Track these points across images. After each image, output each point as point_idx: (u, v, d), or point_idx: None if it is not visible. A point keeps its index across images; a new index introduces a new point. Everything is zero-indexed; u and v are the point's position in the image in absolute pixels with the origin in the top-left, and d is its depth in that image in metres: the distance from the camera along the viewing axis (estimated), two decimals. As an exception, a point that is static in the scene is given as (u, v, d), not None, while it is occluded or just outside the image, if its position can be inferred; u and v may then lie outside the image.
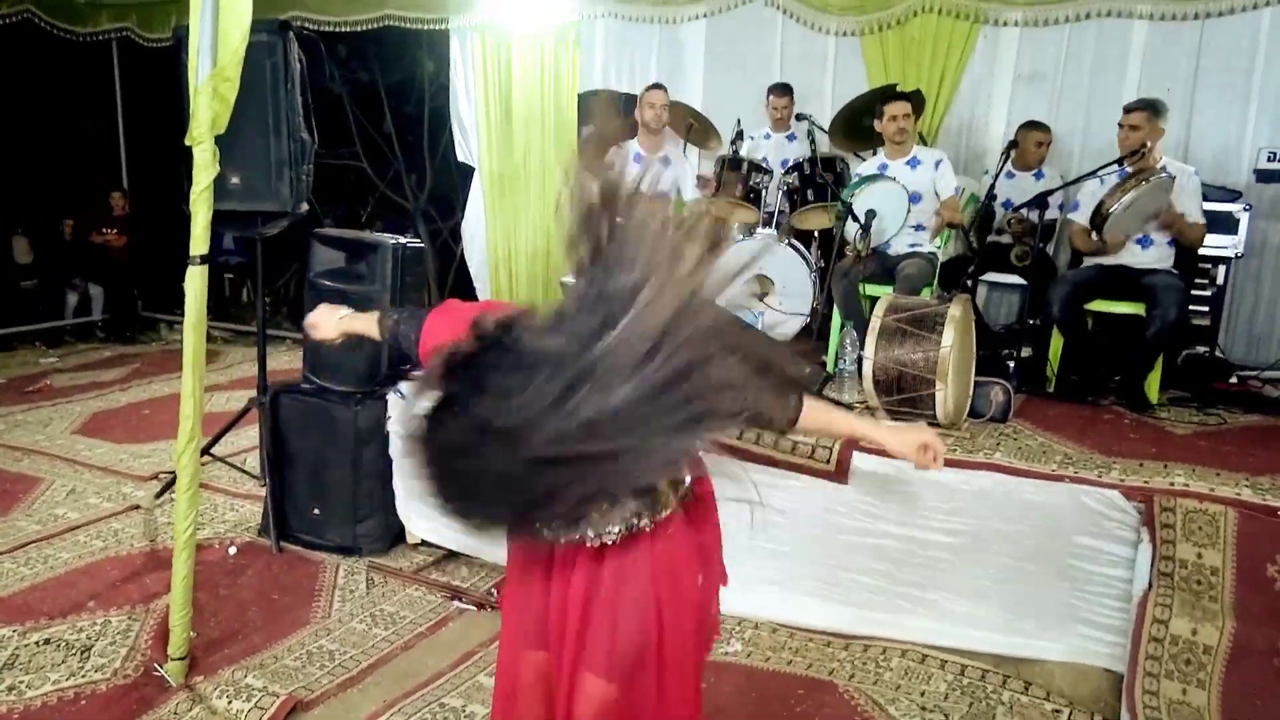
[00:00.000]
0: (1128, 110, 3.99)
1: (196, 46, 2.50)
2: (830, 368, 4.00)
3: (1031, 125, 4.89)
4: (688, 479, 1.69)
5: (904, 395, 3.19)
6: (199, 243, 2.57)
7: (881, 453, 2.97)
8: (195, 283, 2.56)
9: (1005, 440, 3.20)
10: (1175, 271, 4.04)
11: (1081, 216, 4.14)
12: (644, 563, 1.63)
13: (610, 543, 1.61)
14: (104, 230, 7.69)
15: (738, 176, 4.93)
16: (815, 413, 1.67)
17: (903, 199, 4.23)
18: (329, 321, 1.99)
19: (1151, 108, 3.95)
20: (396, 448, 3.61)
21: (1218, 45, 4.91)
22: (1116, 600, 2.75)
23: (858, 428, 1.82)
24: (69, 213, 7.76)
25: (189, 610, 2.71)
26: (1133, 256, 4.06)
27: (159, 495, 3.97)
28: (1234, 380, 4.33)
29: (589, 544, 1.61)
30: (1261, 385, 4.36)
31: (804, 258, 4.84)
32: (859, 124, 5.15)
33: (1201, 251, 4.35)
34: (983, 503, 2.87)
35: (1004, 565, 2.87)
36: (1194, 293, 4.36)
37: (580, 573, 1.63)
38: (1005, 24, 5.28)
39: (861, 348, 3.30)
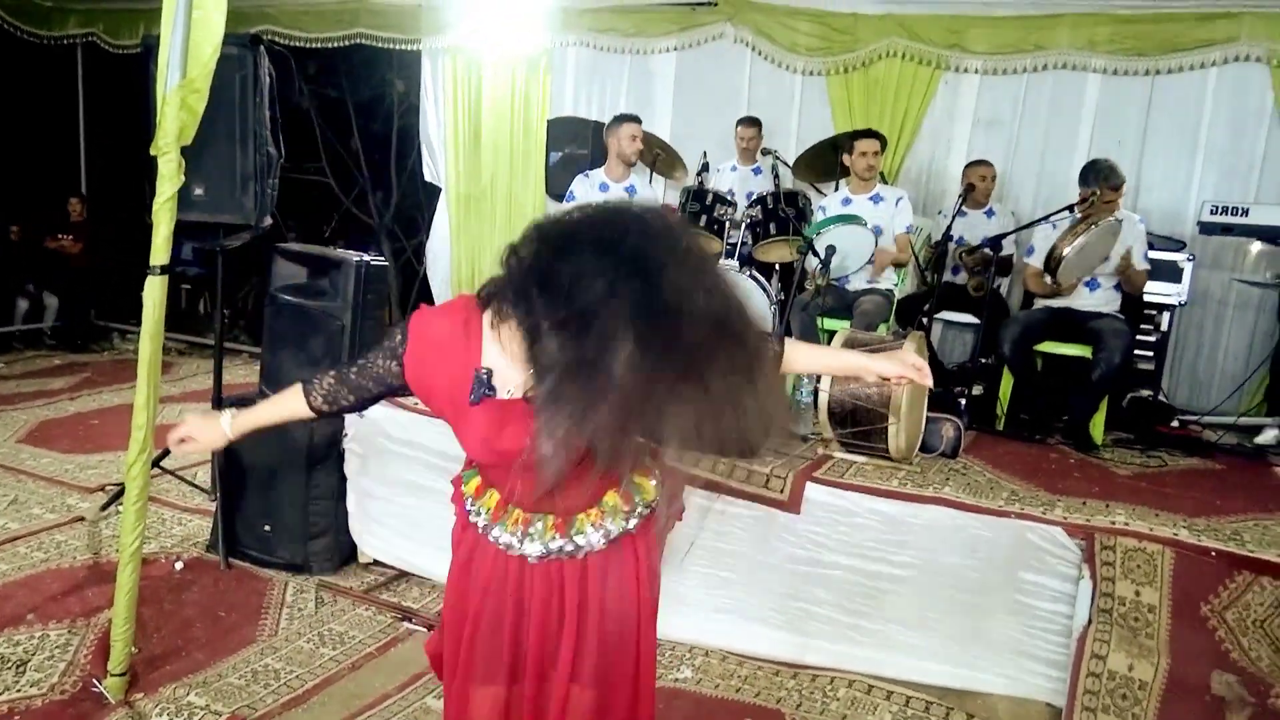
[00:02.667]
0: (1115, 187, 4.10)
1: (166, 57, 2.50)
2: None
3: (975, 163, 5.06)
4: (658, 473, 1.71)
5: (858, 428, 3.25)
6: (160, 253, 2.55)
7: (836, 484, 3.03)
8: (155, 293, 2.54)
9: (955, 475, 3.27)
10: (1121, 316, 4.17)
11: (1037, 260, 4.27)
12: (629, 565, 1.65)
13: (595, 550, 1.62)
14: (60, 236, 7.56)
15: (702, 208, 5.01)
16: (798, 353, 1.76)
17: (869, 240, 4.34)
18: (207, 430, 1.76)
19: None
20: (351, 466, 3.59)
21: (1167, 101, 5.10)
22: (1058, 635, 2.81)
23: (846, 360, 2.00)
24: (22, 216, 7.61)
25: (132, 625, 2.66)
26: (1081, 299, 4.19)
27: (104, 507, 3.91)
28: (1176, 424, 4.46)
29: (576, 557, 1.61)
30: (1202, 430, 4.50)
31: (764, 290, 4.91)
32: (823, 158, 5.27)
33: (1147, 298, 4.50)
34: (931, 536, 2.92)
35: (950, 598, 2.92)
36: (1139, 338, 4.50)
37: (570, 589, 1.62)
38: (966, 71, 5.45)
39: (818, 380, 3.36)
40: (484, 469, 1.67)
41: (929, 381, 1.76)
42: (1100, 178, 4.09)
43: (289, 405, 1.73)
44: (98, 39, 7.47)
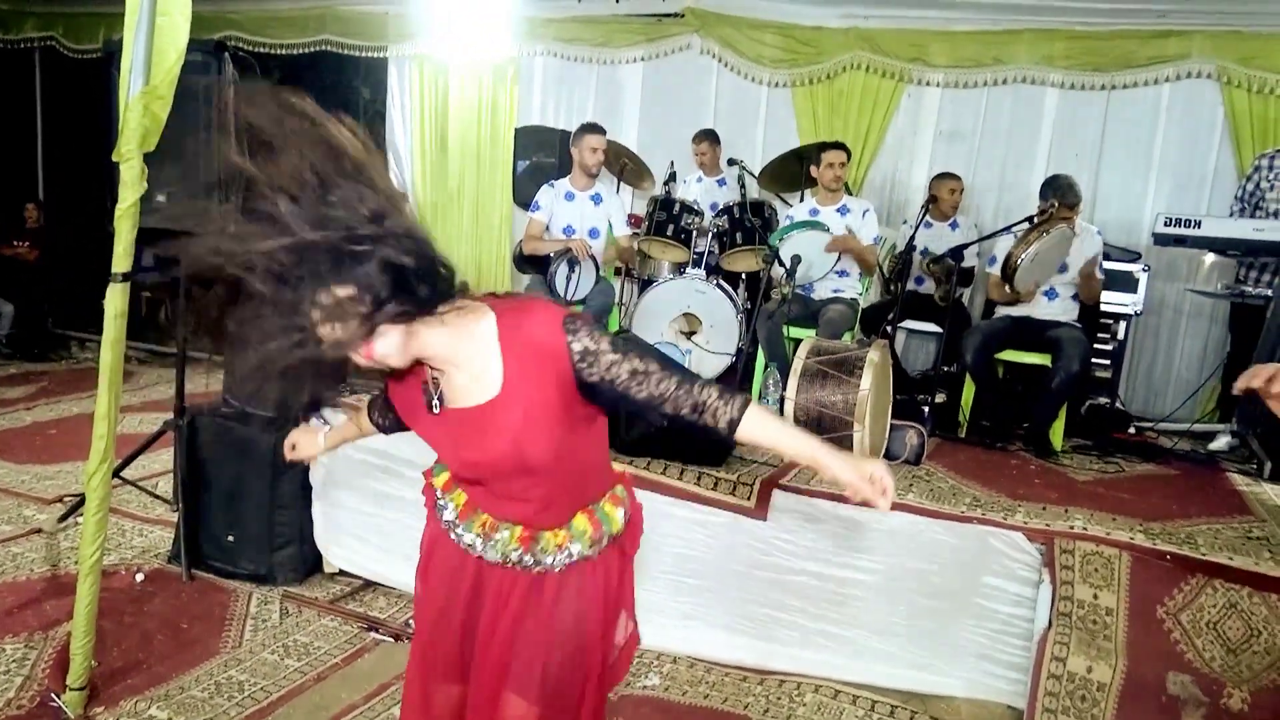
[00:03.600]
0: (1071, 205, 4.18)
1: (130, 62, 2.48)
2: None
3: (944, 176, 5.13)
4: (627, 505, 1.71)
5: (823, 435, 3.27)
6: (121, 260, 2.52)
7: (802, 490, 3.06)
8: (116, 301, 2.51)
9: (918, 482, 3.32)
10: (1079, 325, 4.26)
11: (999, 269, 4.34)
12: (590, 588, 1.64)
13: (555, 570, 1.61)
14: (15, 243, 7.41)
15: (669, 216, 5.05)
16: (760, 425, 1.49)
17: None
18: (311, 442, 1.96)
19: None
20: (317, 475, 3.56)
21: (1122, 116, 5.25)
22: (1020, 638, 2.86)
23: (806, 452, 1.50)
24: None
25: (91, 638, 2.61)
26: (1040, 308, 4.27)
27: (63, 519, 3.83)
28: (1132, 430, 4.57)
29: (533, 571, 1.61)
30: (1157, 436, 4.60)
31: (731, 299, 4.96)
32: (789, 169, 5.33)
33: (1104, 308, 4.61)
34: (895, 542, 2.96)
35: (914, 603, 2.96)
36: (1097, 347, 4.60)
37: (517, 597, 1.62)
38: (928, 84, 5.56)
39: (784, 388, 3.39)
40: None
41: (886, 505, 1.48)
42: (1058, 193, 4.18)
43: (362, 423, 1.87)
44: (57, 43, 7.37)
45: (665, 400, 1.46)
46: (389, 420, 1.78)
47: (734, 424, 1.47)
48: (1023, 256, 4.01)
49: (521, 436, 1.46)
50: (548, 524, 1.60)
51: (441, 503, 1.68)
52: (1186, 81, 5.07)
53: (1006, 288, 4.20)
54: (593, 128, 4.89)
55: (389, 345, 1.31)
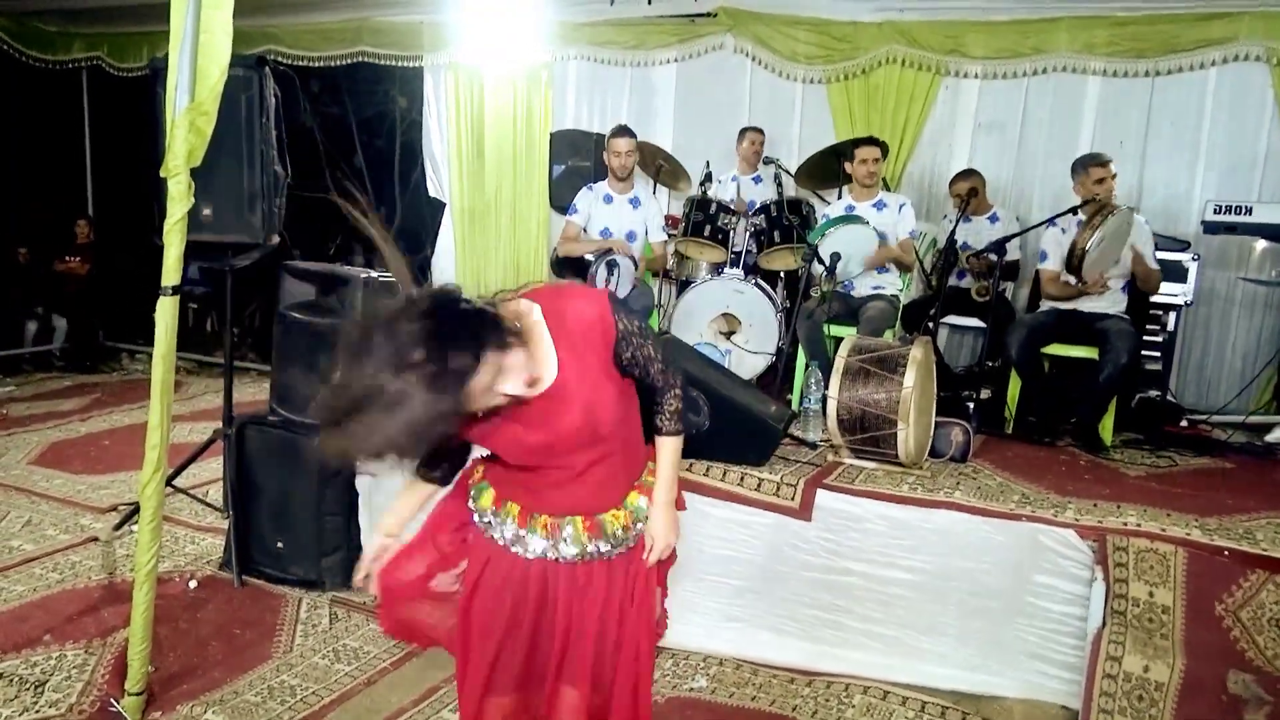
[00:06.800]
0: (1104, 163, 4.08)
1: (174, 80, 2.53)
2: (795, 406, 4.07)
3: (960, 176, 5.05)
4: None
5: (866, 434, 3.26)
6: (171, 273, 2.57)
7: (846, 490, 3.04)
8: (166, 313, 2.56)
9: (965, 480, 3.27)
10: (1127, 317, 4.17)
11: (1052, 264, 4.25)
12: (644, 570, 1.70)
13: (599, 558, 1.66)
14: (67, 258, 7.61)
15: (706, 217, 5.03)
16: (664, 450, 1.74)
17: (871, 241, 4.34)
18: (379, 548, 1.82)
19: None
20: (363, 481, 3.60)
21: (1168, 102, 5.13)
22: (1072, 638, 2.81)
23: (662, 489, 1.75)
24: (30, 239, 7.68)
25: (148, 644, 2.67)
26: (1086, 301, 4.18)
27: (118, 527, 3.92)
28: (1185, 424, 4.46)
29: (608, 558, 1.67)
30: (1211, 429, 4.49)
31: (770, 298, 4.93)
32: (825, 166, 5.29)
33: (1153, 299, 4.50)
34: (943, 541, 2.92)
35: (963, 602, 2.92)
36: (1146, 339, 4.50)
37: (600, 586, 1.68)
38: (965, 76, 5.48)
39: (826, 387, 3.37)
40: (496, 482, 1.69)
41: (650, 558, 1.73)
42: (1086, 161, 4.11)
43: (418, 491, 1.82)
44: (103, 62, 7.54)
45: (654, 387, 1.67)
46: (443, 469, 1.76)
47: (658, 431, 1.73)
48: (1090, 243, 3.89)
49: (591, 402, 1.54)
50: (603, 507, 1.65)
51: (493, 520, 1.69)
52: (1234, 65, 4.93)
53: (1071, 280, 4.10)
54: (620, 130, 4.90)
55: (509, 383, 1.41)
